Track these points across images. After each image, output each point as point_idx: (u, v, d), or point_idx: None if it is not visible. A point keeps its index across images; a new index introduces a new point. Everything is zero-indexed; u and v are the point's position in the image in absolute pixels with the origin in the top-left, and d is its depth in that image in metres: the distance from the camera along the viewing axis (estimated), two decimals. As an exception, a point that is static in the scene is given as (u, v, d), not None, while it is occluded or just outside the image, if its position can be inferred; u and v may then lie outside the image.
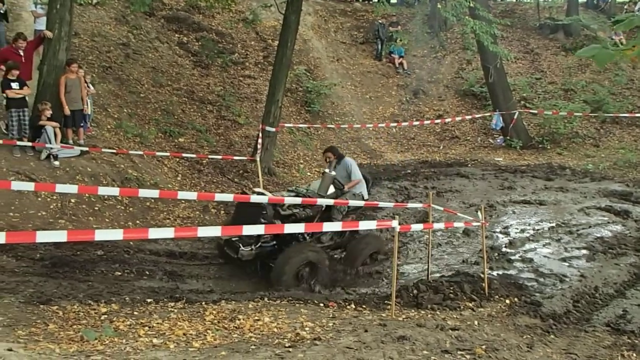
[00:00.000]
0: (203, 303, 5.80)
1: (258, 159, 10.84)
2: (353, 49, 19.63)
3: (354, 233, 8.05)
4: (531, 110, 16.71)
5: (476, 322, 5.46)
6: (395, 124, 16.21)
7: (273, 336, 4.62)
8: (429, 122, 16.40)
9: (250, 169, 11.41)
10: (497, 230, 9.35)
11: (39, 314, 5.10)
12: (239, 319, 5.18)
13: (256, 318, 5.21)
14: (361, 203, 7.81)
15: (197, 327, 4.92)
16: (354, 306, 6.03)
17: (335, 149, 8.66)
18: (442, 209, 7.90)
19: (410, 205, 9.34)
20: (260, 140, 11.50)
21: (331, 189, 7.78)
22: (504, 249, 8.43)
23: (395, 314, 5.61)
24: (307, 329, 4.87)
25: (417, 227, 7.63)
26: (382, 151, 15.41)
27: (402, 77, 19.01)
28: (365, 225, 6.77)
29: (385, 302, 6.09)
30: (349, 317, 5.47)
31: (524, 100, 17.54)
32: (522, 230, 9.26)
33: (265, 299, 6.04)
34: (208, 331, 4.77)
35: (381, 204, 9.37)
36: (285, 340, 4.49)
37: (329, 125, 15.11)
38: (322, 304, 6.03)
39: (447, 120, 16.46)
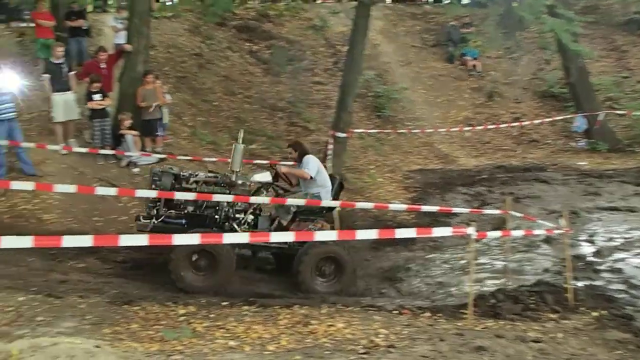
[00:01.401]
0: (276, 307, 5.83)
1: (328, 165, 10.83)
2: (424, 53, 19.32)
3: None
4: (618, 111, 15.76)
5: (560, 335, 5.16)
6: (469, 128, 15.78)
7: (347, 342, 4.57)
8: (505, 125, 15.86)
9: (321, 174, 11.45)
10: (582, 238, 8.86)
11: (122, 313, 5.29)
12: (312, 324, 5.16)
13: (329, 323, 5.18)
14: (301, 201, 6.73)
15: (271, 330, 4.95)
16: (429, 314, 5.87)
17: (298, 144, 7.61)
18: (521, 215, 7.58)
19: (486, 211, 9.04)
20: (330, 146, 11.50)
21: (266, 177, 7.01)
22: (589, 259, 7.98)
23: (472, 324, 5.41)
24: (381, 336, 4.78)
25: (494, 234, 7.35)
26: (455, 156, 15.03)
27: (476, 79, 18.50)
28: (439, 231, 6.60)
29: (461, 311, 5.89)
30: (423, 326, 5.33)
31: (609, 100, 16.54)
32: (610, 239, 8.73)
33: (339, 304, 6.00)
34: (282, 335, 4.79)
35: (455, 210, 9.14)
36: (360, 346, 4.42)
37: (399, 130, 14.91)
38: (395, 311, 5.92)
39: (524, 123, 15.83)
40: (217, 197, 6.34)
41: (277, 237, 5.93)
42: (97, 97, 9.76)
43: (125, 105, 10.17)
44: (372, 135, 14.32)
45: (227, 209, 6.70)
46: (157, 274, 6.88)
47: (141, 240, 4.23)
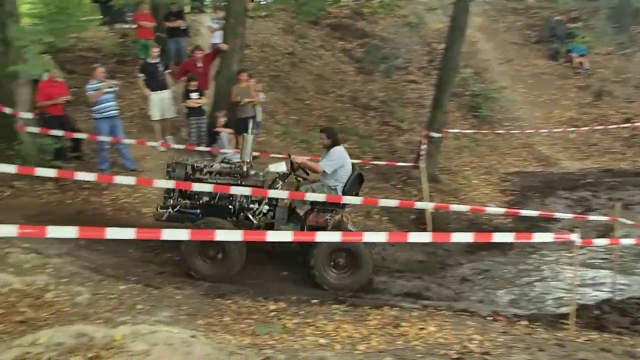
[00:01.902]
0: (366, 307, 5.77)
1: (422, 166, 10.60)
2: (525, 50, 18.44)
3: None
4: None
5: (675, 353, 4.70)
6: (573, 129, 14.84)
7: (439, 346, 4.42)
8: (614, 126, 14.75)
9: (414, 175, 11.22)
10: None
11: (216, 306, 5.44)
12: (403, 326, 5.07)
13: (420, 326, 5.06)
14: (321, 197, 6.42)
15: (361, 330, 4.90)
16: (526, 323, 5.56)
17: (330, 131, 7.11)
18: (631, 223, 7.01)
19: (591, 217, 8.44)
20: (423, 147, 11.24)
21: (281, 167, 6.88)
22: None
23: (574, 335, 5.06)
24: (475, 342, 4.59)
25: (600, 241, 6.83)
26: (557, 158, 14.19)
27: (583, 77, 17.36)
28: (540, 237, 6.22)
29: (561, 321, 5.53)
30: (520, 334, 5.06)
31: None
32: None
33: (430, 308, 5.84)
34: (372, 335, 4.72)
35: (557, 215, 8.63)
36: (452, 351, 4.27)
37: (497, 131, 14.31)
38: (489, 318, 5.67)
39: (636, 124, 14.63)
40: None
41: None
42: (194, 95, 10.11)
43: (220, 104, 10.47)
44: (467, 136, 13.87)
45: (241, 200, 6.74)
46: (248, 269, 7.02)
47: (235, 235, 4.30)
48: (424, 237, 6.23)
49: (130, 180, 7.04)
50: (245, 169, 6.75)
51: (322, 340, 4.44)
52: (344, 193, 6.72)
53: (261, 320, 5.18)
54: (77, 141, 9.61)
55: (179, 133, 10.74)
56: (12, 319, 4.64)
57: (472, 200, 11.08)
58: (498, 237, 5.97)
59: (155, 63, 10.21)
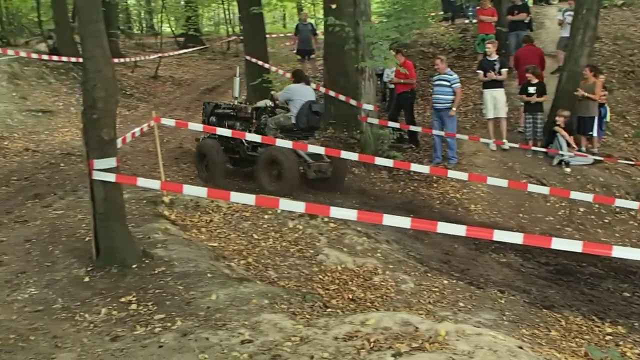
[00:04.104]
0: None
1: None
2: None
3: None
4: None
5: None
6: None
7: None
8: None
9: None
10: None
11: (542, 317, 5.06)
12: None
13: None
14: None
15: None
16: None
17: (296, 73, 8.90)
18: None
19: None
20: None
21: (267, 102, 8.82)
22: None
23: None
24: None
25: None
26: None
27: None
28: None
29: None
30: None
31: None
32: None
33: None
34: None
35: None
36: None
37: None
38: None
39: None
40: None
41: None
42: (531, 89, 9.59)
43: (562, 101, 9.71)
44: None
45: (239, 127, 8.66)
46: (585, 283, 6.35)
47: (575, 246, 3.84)
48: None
49: (462, 175, 7.06)
50: (236, 103, 9.13)
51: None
52: (297, 120, 8.22)
53: (594, 342, 4.61)
54: (413, 132, 10.14)
55: (514, 130, 10.36)
56: (344, 295, 5.11)
57: None
58: None
59: (493, 60, 10.01)
